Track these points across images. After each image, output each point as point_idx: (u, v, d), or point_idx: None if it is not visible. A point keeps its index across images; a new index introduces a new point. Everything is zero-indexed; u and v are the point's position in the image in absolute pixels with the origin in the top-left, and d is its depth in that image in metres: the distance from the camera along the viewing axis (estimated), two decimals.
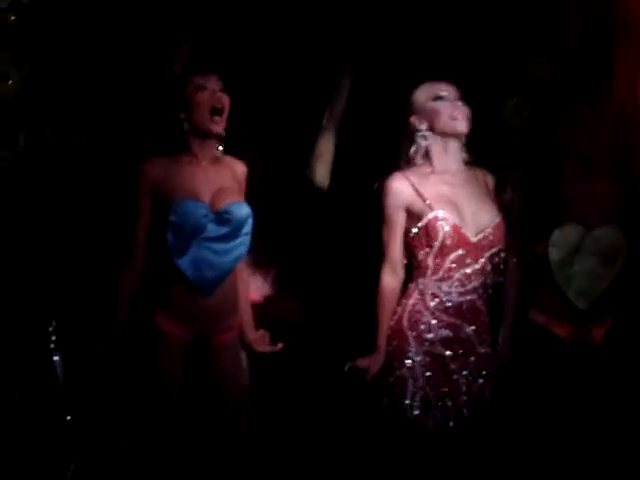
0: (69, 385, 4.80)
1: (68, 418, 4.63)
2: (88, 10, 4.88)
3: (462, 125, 3.73)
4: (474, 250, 3.71)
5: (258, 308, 4.28)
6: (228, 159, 3.87)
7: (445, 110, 3.73)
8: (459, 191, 3.74)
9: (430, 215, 3.68)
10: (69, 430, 4.65)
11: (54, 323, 4.86)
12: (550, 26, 4.80)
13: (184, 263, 3.70)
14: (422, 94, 3.79)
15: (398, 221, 3.73)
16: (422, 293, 3.73)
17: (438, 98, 3.75)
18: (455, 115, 3.72)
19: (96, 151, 4.96)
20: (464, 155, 3.79)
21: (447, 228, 3.66)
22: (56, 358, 4.64)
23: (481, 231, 3.71)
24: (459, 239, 3.66)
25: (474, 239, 3.71)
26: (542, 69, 4.80)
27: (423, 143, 3.76)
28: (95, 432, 4.69)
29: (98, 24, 4.89)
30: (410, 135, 3.78)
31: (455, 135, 3.75)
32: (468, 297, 3.73)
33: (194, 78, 3.80)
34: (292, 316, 4.46)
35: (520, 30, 4.92)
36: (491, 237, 3.72)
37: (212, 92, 3.75)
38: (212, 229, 3.74)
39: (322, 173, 4.50)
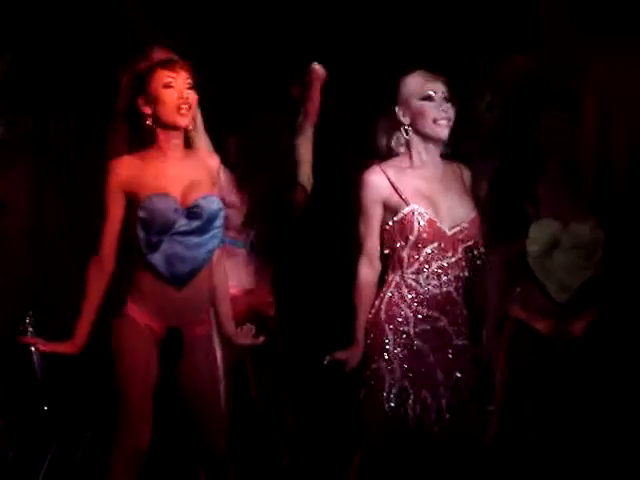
0: (46, 376, 4.81)
1: (45, 408, 4.63)
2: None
3: (444, 132, 3.68)
4: (450, 243, 3.71)
5: (235, 301, 4.31)
6: (200, 152, 3.84)
7: (430, 113, 3.67)
8: (435, 186, 3.74)
9: (406, 210, 3.69)
10: (46, 420, 4.66)
11: (30, 313, 4.86)
12: (526, 24, 4.83)
13: (156, 259, 3.66)
14: (412, 86, 3.71)
15: (375, 214, 3.72)
16: (399, 286, 3.73)
17: (426, 98, 3.68)
18: (439, 121, 3.67)
19: (75, 140, 4.97)
20: (441, 149, 3.79)
21: (422, 222, 3.66)
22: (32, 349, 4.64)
23: (457, 225, 3.71)
24: (434, 233, 3.67)
25: (449, 232, 3.71)
26: (515, 66, 4.84)
27: (405, 136, 3.75)
28: (72, 423, 4.70)
29: (78, 13, 4.88)
30: (392, 122, 3.76)
31: (435, 140, 3.76)
32: (444, 289, 3.73)
33: (162, 73, 3.67)
34: (267, 310, 4.46)
35: (495, 27, 4.95)
36: (466, 231, 3.73)
37: (179, 92, 3.65)
38: (183, 223, 3.70)
39: (305, 173, 4.50)
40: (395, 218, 3.69)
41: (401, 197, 3.67)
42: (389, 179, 3.69)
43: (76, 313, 4.42)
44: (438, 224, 3.66)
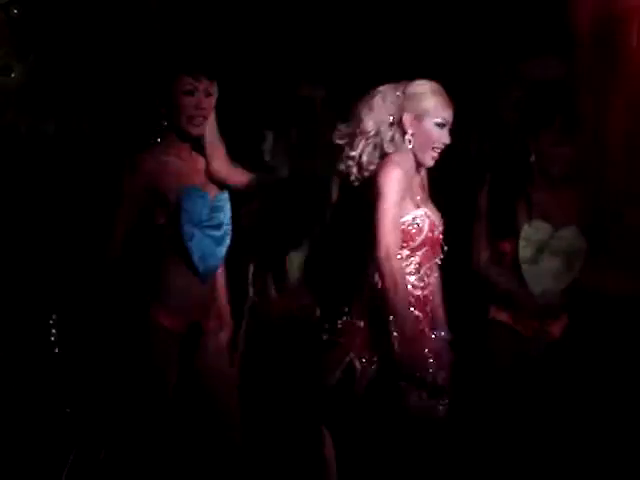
0: (69, 378, 4.81)
1: (67, 410, 4.63)
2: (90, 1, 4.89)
3: (432, 162, 3.62)
4: (435, 245, 3.65)
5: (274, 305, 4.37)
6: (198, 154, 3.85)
7: (433, 141, 3.58)
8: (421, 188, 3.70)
9: (417, 212, 3.62)
10: (68, 422, 4.66)
11: (54, 317, 4.88)
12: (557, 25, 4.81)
13: (192, 250, 3.72)
14: (432, 105, 3.59)
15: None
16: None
17: (439, 125, 3.58)
18: (435, 154, 3.60)
19: (98, 143, 4.98)
20: None
21: (427, 227, 3.61)
22: (56, 350, 4.66)
23: (438, 226, 3.67)
24: (432, 236, 3.64)
25: (435, 234, 3.66)
26: (538, 70, 4.81)
27: (406, 144, 3.66)
28: (94, 425, 4.69)
29: (100, 15, 4.90)
30: (397, 124, 3.68)
31: (422, 165, 3.64)
32: (426, 292, 3.64)
33: (183, 80, 3.68)
34: (308, 312, 4.44)
35: (519, 29, 4.93)
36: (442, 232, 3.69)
37: (198, 101, 3.68)
38: (211, 217, 3.77)
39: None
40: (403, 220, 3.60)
41: (413, 200, 3.60)
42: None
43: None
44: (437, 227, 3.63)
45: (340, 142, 3.60)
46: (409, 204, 3.55)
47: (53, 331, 4.80)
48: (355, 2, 5.00)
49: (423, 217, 3.56)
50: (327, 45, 4.96)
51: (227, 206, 3.80)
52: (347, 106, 4.14)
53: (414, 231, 3.55)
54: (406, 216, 3.53)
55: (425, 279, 3.60)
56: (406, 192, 3.53)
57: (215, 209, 3.76)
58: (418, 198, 3.60)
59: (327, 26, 4.99)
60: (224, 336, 3.95)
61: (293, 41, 4.96)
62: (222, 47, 4.82)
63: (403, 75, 3.69)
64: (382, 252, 3.42)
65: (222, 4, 4.98)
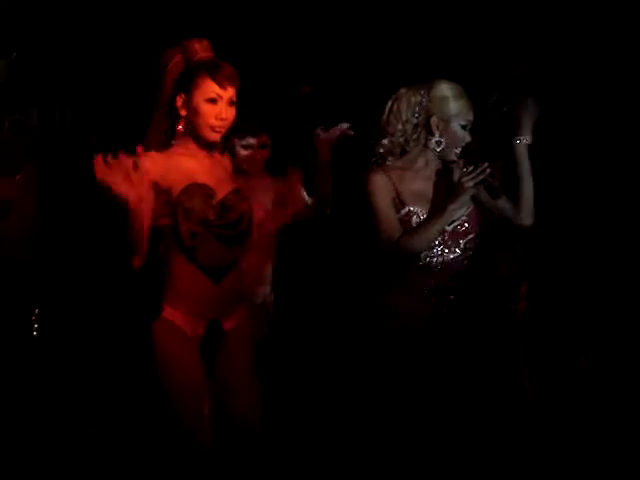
0: (50, 373, 4.84)
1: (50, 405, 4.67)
2: None
3: (456, 158, 3.80)
4: (451, 238, 3.79)
5: None
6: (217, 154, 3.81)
7: (459, 141, 3.79)
8: (432, 184, 3.82)
9: (403, 211, 3.77)
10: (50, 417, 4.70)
11: (36, 312, 4.90)
12: (530, 28, 4.87)
13: (198, 250, 3.66)
14: (458, 109, 3.79)
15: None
16: (406, 283, 3.81)
17: (463, 127, 3.79)
18: (458, 151, 3.79)
19: (82, 138, 4.99)
20: None
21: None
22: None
23: (455, 220, 3.79)
24: None
25: (449, 228, 3.78)
26: (520, 68, 4.87)
27: (435, 147, 3.83)
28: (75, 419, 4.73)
29: (84, 10, 4.90)
30: (423, 126, 3.82)
31: (447, 160, 3.83)
32: (457, 257, 3.82)
33: (209, 85, 3.56)
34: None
35: (502, 30, 4.97)
36: (466, 225, 3.81)
37: (220, 110, 3.57)
38: (219, 216, 3.68)
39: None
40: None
41: (400, 198, 3.74)
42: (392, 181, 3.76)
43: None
44: None
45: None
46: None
47: (35, 326, 4.84)
48: (346, 7, 5.02)
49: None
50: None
51: (241, 205, 3.76)
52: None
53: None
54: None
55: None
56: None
57: (225, 208, 3.70)
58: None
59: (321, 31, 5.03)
60: (250, 334, 3.85)
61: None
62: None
63: (400, 77, 3.93)
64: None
65: None
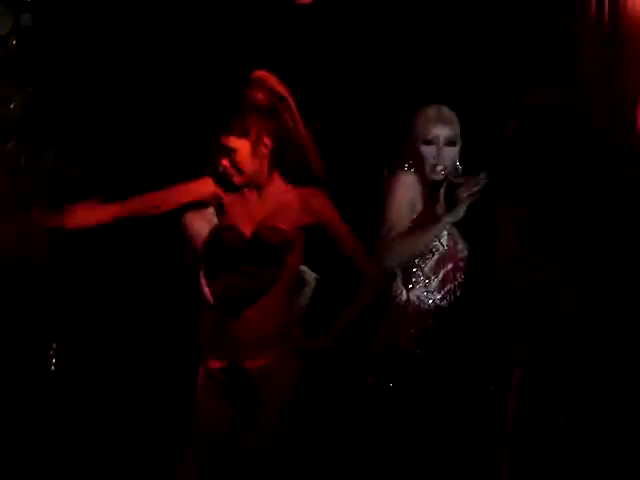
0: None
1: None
2: (90, 32, 4.91)
3: (440, 175, 3.83)
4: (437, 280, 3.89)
5: None
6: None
7: (429, 158, 3.82)
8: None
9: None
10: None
11: (54, 346, 4.91)
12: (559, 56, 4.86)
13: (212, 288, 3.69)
14: (418, 127, 3.86)
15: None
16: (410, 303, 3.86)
17: (426, 142, 3.82)
18: (436, 168, 3.82)
19: (97, 175, 5.01)
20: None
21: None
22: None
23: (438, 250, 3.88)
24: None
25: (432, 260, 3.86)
26: (536, 99, 4.86)
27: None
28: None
29: (99, 46, 4.92)
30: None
31: (431, 182, 3.85)
32: (444, 302, 3.87)
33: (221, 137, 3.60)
34: None
35: (519, 60, 4.98)
36: (453, 271, 3.92)
37: (227, 159, 3.60)
38: (245, 253, 3.64)
39: None
40: None
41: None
42: None
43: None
44: None
45: None
46: None
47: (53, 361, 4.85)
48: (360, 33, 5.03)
49: None
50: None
51: (270, 241, 3.65)
52: None
53: None
54: None
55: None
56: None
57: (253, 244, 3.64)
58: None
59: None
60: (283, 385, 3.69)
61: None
62: None
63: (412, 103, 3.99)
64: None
65: None
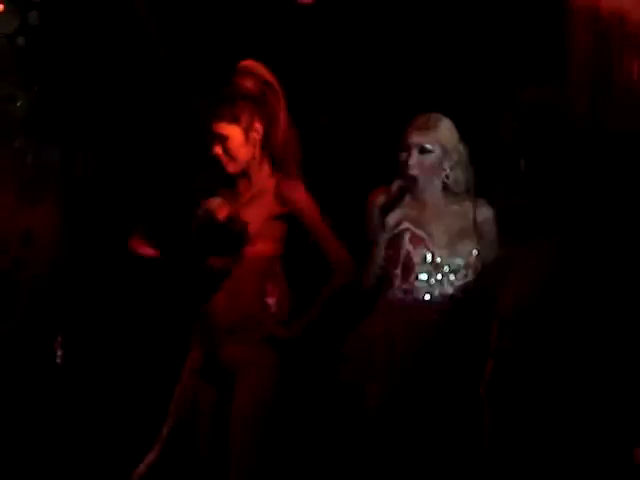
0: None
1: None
2: (96, 31, 4.94)
3: (413, 170, 3.94)
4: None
5: None
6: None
7: (403, 162, 3.95)
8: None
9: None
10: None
11: (59, 339, 4.97)
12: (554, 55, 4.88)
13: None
14: (403, 137, 3.99)
15: None
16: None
17: (403, 150, 3.96)
18: (408, 167, 3.94)
19: (103, 173, 5.05)
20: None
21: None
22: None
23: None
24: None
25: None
26: (529, 94, 4.90)
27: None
28: None
29: (106, 44, 4.96)
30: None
31: (413, 179, 3.96)
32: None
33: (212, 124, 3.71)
34: None
35: (517, 58, 5.01)
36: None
37: (219, 145, 3.70)
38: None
39: None
40: None
41: None
42: None
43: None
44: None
45: None
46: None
47: (59, 354, 4.91)
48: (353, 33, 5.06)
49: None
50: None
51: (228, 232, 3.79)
52: None
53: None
54: None
55: None
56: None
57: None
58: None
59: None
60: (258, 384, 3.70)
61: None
62: None
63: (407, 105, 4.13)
64: None
65: None
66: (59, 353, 4.94)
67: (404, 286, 3.93)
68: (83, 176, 5.02)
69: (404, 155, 3.96)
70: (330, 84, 5.04)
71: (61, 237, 4.97)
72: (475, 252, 3.97)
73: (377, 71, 4.99)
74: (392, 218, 3.90)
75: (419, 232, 3.93)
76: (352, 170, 4.87)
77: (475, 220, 3.99)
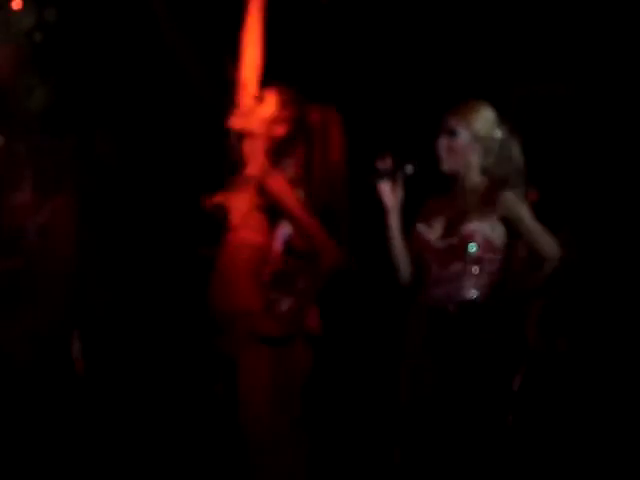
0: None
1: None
2: (112, 26, 5.00)
3: (442, 165, 3.99)
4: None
5: None
6: None
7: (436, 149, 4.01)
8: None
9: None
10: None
11: (77, 333, 4.96)
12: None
13: None
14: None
15: None
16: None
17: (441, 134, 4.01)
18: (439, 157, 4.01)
19: (122, 164, 5.08)
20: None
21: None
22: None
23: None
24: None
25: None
26: (524, 90, 5.05)
27: None
28: None
29: (122, 39, 5.02)
30: None
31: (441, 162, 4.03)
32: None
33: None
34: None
35: (506, 56, 5.16)
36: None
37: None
38: None
39: None
40: None
41: None
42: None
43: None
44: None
45: None
46: None
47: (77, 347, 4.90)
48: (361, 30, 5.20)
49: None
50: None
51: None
52: None
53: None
54: None
55: None
56: None
57: None
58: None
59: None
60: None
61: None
62: None
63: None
64: None
65: None
66: (76, 347, 4.93)
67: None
68: (99, 171, 5.05)
69: (437, 143, 3.99)
70: (336, 80, 5.15)
71: (77, 231, 4.98)
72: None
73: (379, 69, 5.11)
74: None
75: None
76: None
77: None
